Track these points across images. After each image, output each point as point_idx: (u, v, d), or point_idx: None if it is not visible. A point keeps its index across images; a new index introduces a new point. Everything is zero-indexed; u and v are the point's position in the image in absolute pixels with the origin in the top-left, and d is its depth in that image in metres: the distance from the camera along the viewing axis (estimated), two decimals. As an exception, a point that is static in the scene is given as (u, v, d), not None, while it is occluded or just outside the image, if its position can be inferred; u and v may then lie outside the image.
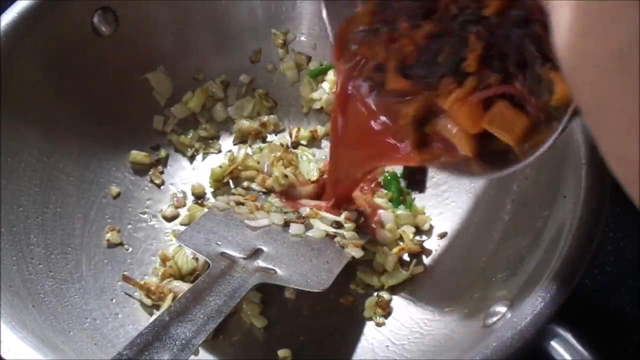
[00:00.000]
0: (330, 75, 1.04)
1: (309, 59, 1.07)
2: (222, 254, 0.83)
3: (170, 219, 0.97)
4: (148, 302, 0.86)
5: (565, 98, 0.61)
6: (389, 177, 0.96)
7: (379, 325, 0.84)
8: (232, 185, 0.99)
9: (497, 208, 0.88)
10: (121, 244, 0.92)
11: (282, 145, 1.01)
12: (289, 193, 0.95)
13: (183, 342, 0.69)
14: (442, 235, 0.92)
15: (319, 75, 1.05)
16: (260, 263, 0.82)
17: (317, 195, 0.94)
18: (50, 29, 0.90)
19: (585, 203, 0.71)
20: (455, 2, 0.66)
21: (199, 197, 0.99)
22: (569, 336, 0.66)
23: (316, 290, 0.81)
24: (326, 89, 1.03)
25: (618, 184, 0.41)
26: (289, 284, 0.81)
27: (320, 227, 0.87)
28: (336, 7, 0.78)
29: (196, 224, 0.89)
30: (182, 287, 0.86)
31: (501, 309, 0.70)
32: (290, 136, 1.04)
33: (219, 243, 0.85)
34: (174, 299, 0.84)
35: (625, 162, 0.40)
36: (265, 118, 1.05)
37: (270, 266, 0.82)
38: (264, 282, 0.80)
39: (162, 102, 1.04)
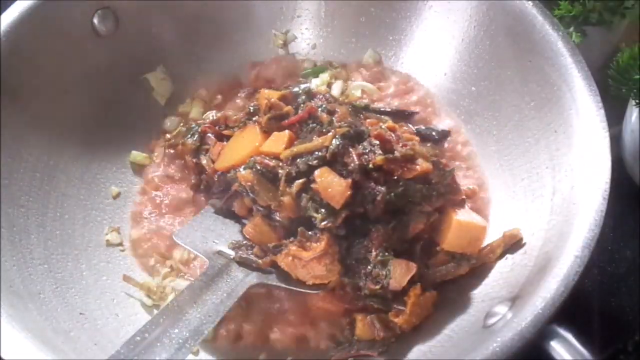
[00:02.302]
0: (325, 75, 1.04)
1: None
2: (219, 252, 0.83)
3: (170, 219, 0.97)
4: (148, 302, 0.86)
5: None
6: None
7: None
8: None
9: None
10: (121, 244, 0.92)
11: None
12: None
13: (180, 341, 0.69)
14: None
15: (311, 76, 1.05)
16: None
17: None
18: (50, 29, 0.90)
19: (584, 204, 0.72)
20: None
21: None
22: (569, 336, 0.66)
23: (313, 292, 0.81)
24: (314, 85, 1.03)
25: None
26: (286, 285, 0.81)
27: None
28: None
29: (193, 221, 0.89)
30: (184, 285, 0.86)
31: (501, 309, 0.71)
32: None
33: (216, 241, 0.85)
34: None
35: None
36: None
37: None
38: (261, 282, 0.80)
39: (162, 102, 1.03)
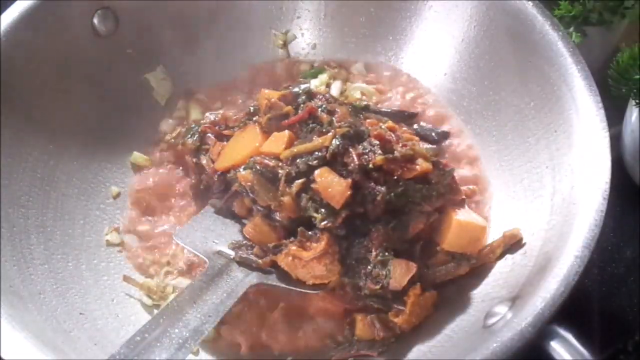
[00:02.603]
0: (323, 76, 1.04)
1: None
2: (219, 252, 0.83)
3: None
4: (148, 302, 0.86)
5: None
6: None
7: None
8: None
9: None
10: (121, 244, 0.92)
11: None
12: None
13: (180, 341, 0.69)
14: None
15: (310, 77, 1.05)
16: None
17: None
18: (50, 29, 0.90)
19: (584, 204, 0.72)
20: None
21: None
22: (569, 336, 0.66)
23: (313, 292, 0.81)
24: (313, 86, 1.03)
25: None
26: (286, 285, 0.81)
27: None
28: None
29: (193, 221, 0.89)
30: (185, 283, 0.86)
31: (501, 309, 0.70)
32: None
33: (216, 241, 0.85)
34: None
35: None
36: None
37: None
38: (261, 282, 0.80)
39: (162, 102, 1.03)
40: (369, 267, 0.78)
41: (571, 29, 0.99)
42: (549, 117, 0.84)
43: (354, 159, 0.77)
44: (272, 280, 0.81)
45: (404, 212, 0.80)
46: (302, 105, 0.87)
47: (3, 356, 0.65)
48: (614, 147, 0.75)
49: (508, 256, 0.81)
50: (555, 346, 0.66)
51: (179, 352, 0.69)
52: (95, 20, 0.95)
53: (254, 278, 0.80)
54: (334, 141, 0.78)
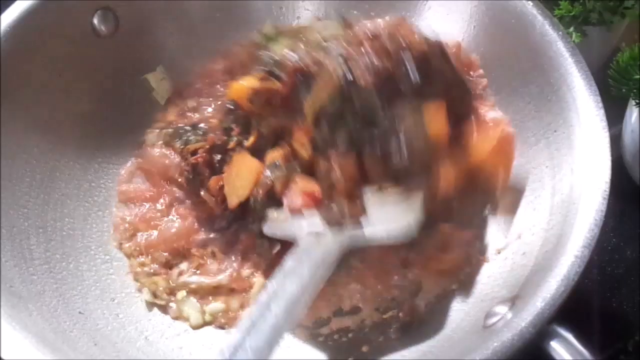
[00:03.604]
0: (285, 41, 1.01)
1: None
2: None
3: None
4: (149, 298, 0.86)
5: None
6: None
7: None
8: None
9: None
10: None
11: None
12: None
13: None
14: None
15: (270, 45, 1.02)
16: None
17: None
18: (50, 29, 0.90)
19: (584, 204, 0.72)
20: None
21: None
22: (569, 336, 0.66)
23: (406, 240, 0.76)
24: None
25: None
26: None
27: None
28: None
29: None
30: (196, 280, 0.86)
31: (501, 309, 0.71)
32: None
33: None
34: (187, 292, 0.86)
35: None
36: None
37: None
38: (354, 244, 0.75)
39: (162, 102, 1.03)
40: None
41: (571, 29, 0.99)
42: (549, 117, 0.84)
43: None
44: (363, 239, 0.75)
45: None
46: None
47: (3, 356, 0.65)
48: (614, 147, 0.75)
49: (508, 256, 0.81)
50: (555, 346, 0.66)
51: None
52: (95, 20, 0.95)
53: (345, 241, 0.74)
54: (338, 70, 0.76)
